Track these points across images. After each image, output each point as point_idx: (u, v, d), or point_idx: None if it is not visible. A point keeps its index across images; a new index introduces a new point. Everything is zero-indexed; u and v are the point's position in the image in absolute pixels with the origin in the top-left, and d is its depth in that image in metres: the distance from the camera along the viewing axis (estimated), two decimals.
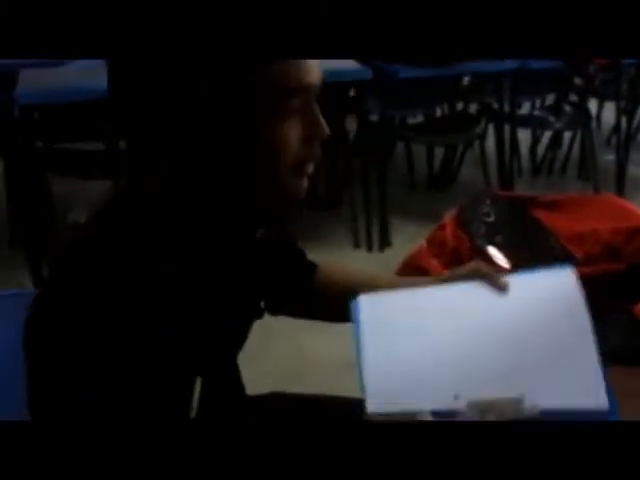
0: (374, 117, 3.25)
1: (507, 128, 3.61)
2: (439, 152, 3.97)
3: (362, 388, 0.88)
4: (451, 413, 0.83)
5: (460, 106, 3.86)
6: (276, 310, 1.09)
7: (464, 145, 3.89)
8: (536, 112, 3.97)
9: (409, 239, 3.02)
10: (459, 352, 0.91)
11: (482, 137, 3.61)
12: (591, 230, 1.25)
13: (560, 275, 0.98)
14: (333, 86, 2.84)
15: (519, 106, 3.72)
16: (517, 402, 0.82)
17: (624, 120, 3.80)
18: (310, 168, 0.81)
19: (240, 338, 0.99)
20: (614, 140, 4.01)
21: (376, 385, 0.88)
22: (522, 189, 3.68)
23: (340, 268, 1.13)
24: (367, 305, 0.97)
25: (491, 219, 1.31)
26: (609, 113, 4.29)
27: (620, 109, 3.84)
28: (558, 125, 3.79)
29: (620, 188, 3.68)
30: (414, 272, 1.29)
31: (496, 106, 3.49)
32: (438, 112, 3.91)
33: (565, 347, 0.90)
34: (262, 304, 1.04)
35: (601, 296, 1.17)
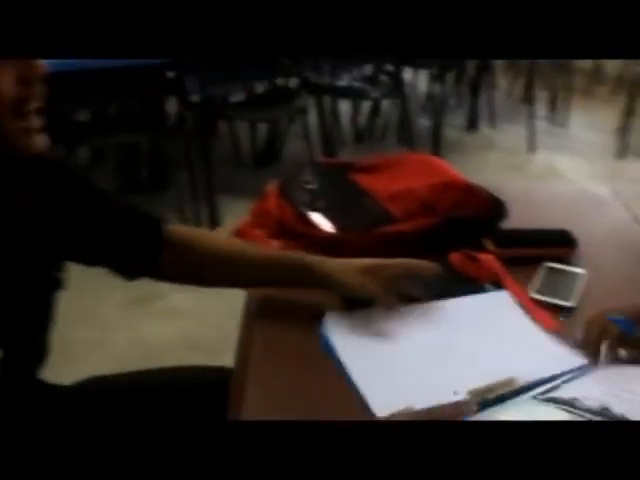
0: (195, 97, 3.19)
1: (328, 100, 3.68)
2: (264, 129, 3.97)
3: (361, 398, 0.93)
4: (457, 405, 0.90)
5: (280, 82, 3.89)
6: (128, 273, 1.08)
7: (287, 120, 3.92)
8: (355, 83, 4.07)
9: (239, 217, 3.01)
10: (437, 356, 1.02)
11: (304, 111, 3.65)
12: (407, 188, 1.29)
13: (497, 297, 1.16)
14: (150, 68, 2.79)
15: (338, 78, 3.79)
16: (511, 381, 0.93)
17: (437, 87, 4.00)
18: (32, 107, 0.82)
19: (39, 311, 0.96)
20: (429, 106, 4.22)
21: (374, 392, 0.93)
22: (346, 158, 3.78)
23: (200, 235, 1.16)
24: (335, 324, 1.05)
25: (312, 186, 1.32)
26: (423, 81, 4.49)
27: (433, 77, 4.03)
28: (376, 94, 3.91)
29: (436, 150, 3.87)
30: None
31: (315, 79, 3.54)
32: (260, 89, 3.91)
33: (520, 339, 1.08)
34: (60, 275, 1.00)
35: (420, 249, 1.22)
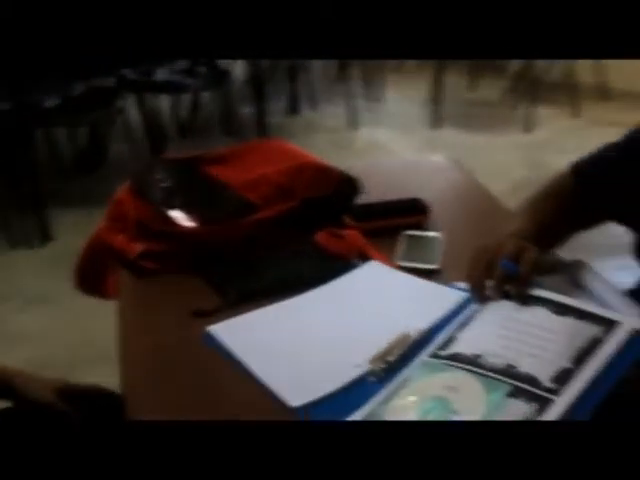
0: (4, 105, 2.99)
1: (147, 97, 3.59)
2: (84, 132, 3.81)
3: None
4: (362, 377, 0.94)
5: (96, 82, 3.73)
6: None
7: (107, 121, 3.77)
8: (173, 77, 3.99)
9: (73, 228, 2.89)
10: (333, 338, 1.04)
11: (121, 111, 3.54)
12: (262, 175, 1.29)
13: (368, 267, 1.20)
14: None
15: (154, 73, 3.70)
16: (405, 337, 0.97)
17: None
18: None
19: None
20: (249, 94, 4.22)
21: (282, 385, 0.94)
22: (195, 152, 3.71)
23: None
24: (225, 332, 1.04)
25: (167, 184, 1.29)
26: (238, 69, 4.49)
27: (252, 65, 4.03)
28: (195, 86, 3.86)
29: (262, 137, 3.89)
30: (104, 253, 1.23)
31: (132, 76, 3.44)
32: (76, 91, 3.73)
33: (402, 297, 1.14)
34: None
35: (284, 233, 1.24)
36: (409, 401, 0.87)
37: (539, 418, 0.78)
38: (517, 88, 4.47)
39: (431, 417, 0.82)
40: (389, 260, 1.22)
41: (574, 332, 0.88)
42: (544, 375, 0.83)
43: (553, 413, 0.78)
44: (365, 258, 1.22)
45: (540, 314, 0.93)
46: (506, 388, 0.83)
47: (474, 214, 1.45)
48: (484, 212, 1.45)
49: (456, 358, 0.91)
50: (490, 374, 0.86)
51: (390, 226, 1.31)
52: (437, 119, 4.25)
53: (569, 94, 4.36)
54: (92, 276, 1.30)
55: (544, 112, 4.27)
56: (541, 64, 4.34)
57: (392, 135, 4.14)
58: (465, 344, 0.93)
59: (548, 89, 4.44)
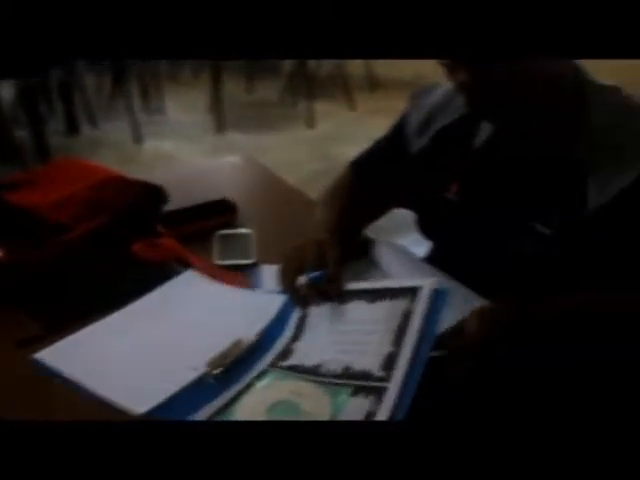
0: None
1: None
2: None
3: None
4: (201, 379, 0.96)
5: None
6: None
7: None
8: None
9: None
10: (169, 344, 1.06)
11: None
12: (69, 194, 1.27)
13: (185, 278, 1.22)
14: None
15: None
16: (238, 342, 1.01)
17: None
18: None
19: None
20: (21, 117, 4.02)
21: (123, 395, 0.94)
22: None
23: None
24: (53, 357, 1.03)
25: None
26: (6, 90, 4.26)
27: (20, 85, 3.84)
28: None
29: (44, 159, 3.73)
30: None
31: None
32: None
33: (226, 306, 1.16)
34: None
35: (99, 249, 1.23)
36: (255, 404, 0.91)
37: (379, 408, 0.83)
38: (293, 86, 4.64)
39: (282, 418, 0.88)
40: (207, 261, 1.26)
41: (388, 314, 0.94)
42: (374, 366, 0.89)
43: (389, 400, 0.83)
44: (183, 263, 1.25)
45: (359, 307, 0.99)
46: (348, 390, 0.88)
47: (278, 205, 1.52)
48: (287, 202, 1.53)
49: (296, 369, 0.96)
50: (332, 380, 0.91)
51: (202, 228, 1.34)
52: (220, 124, 4.31)
53: (343, 87, 4.61)
54: None
55: (323, 107, 4.49)
56: (313, 60, 4.55)
57: (178, 145, 4.14)
58: (303, 355, 0.98)
59: (323, 84, 4.67)
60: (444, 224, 1.18)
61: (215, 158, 3.85)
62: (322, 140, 4.12)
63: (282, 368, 0.97)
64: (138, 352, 1.05)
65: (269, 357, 1.00)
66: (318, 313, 1.03)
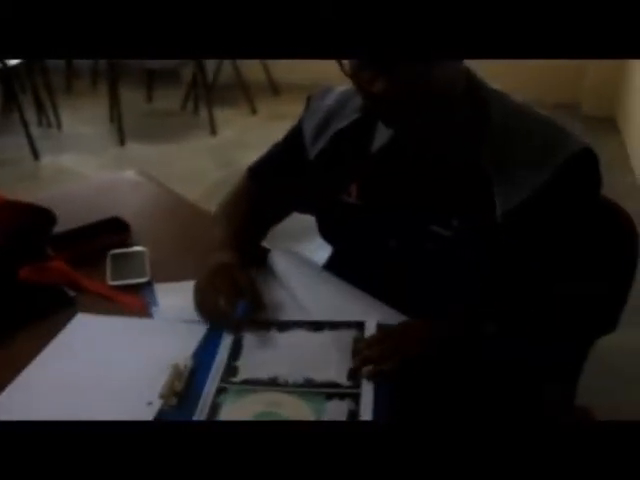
0: None
1: None
2: None
3: None
4: (161, 412, 0.93)
5: None
6: None
7: None
8: None
9: None
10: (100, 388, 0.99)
11: None
12: None
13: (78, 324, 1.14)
14: None
15: None
16: (176, 367, 0.98)
17: None
18: None
19: None
20: None
21: None
22: None
23: None
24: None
25: None
26: None
27: None
28: None
29: None
30: None
31: None
32: None
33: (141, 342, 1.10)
34: None
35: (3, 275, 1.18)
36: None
37: (360, 409, 0.88)
38: (193, 94, 4.58)
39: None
40: (100, 283, 1.22)
41: (341, 343, 1.00)
42: (340, 378, 0.94)
43: (367, 400, 0.89)
44: (74, 286, 1.21)
45: (300, 335, 1.03)
46: (321, 396, 0.90)
47: (172, 221, 1.49)
48: (182, 218, 1.50)
49: (253, 383, 0.95)
50: (298, 389, 0.92)
51: (94, 249, 1.30)
52: (120, 136, 4.22)
53: (243, 93, 4.59)
54: None
55: (224, 113, 4.45)
56: (211, 67, 4.50)
57: (78, 159, 4.03)
58: (251, 371, 0.98)
59: (222, 90, 4.63)
60: (344, 227, 1.18)
61: (115, 171, 3.77)
62: (225, 147, 4.09)
63: (238, 384, 0.95)
64: (76, 402, 0.96)
65: (216, 376, 0.97)
66: (253, 336, 1.04)
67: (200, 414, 0.91)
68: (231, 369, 0.99)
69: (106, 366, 1.03)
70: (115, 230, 1.36)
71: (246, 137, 4.19)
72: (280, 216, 1.32)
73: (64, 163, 4.00)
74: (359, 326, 1.02)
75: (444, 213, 1.07)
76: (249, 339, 1.04)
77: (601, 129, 3.94)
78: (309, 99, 1.25)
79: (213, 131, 4.26)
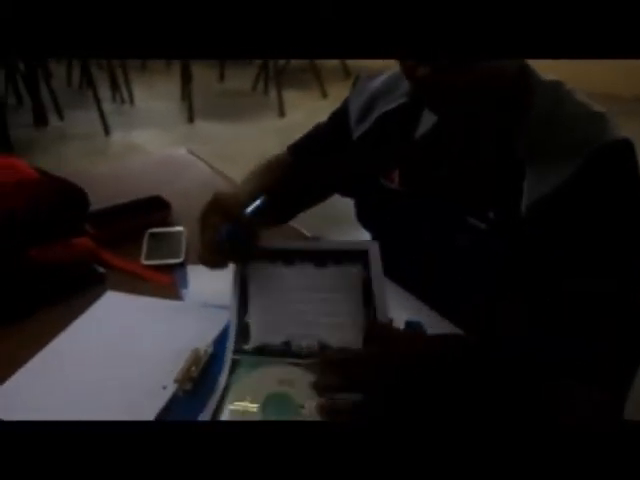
0: None
1: None
2: None
3: None
4: (175, 396, 0.90)
5: None
6: None
7: None
8: None
9: None
10: (119, 370, 0.96)
11: None
12: None
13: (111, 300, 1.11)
14: None
15: None
16: (196, 352, 0.95)
17: None
18: None
19: None
20: None
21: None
22: None
23: None
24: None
25: None
26: None
27: None
28: None
29: (8, 151, 3.66)
30: None
31: None
32: None
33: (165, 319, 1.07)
34: None
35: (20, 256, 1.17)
36: (246, 403, 0.86)
37: None
38: (265, 75, 4.58)
39: (279, 416, 0.83)
40: (133, 261, 1.21)
41: (346, 283, 0.89)
42: (355, 341, 0.86)
43: None
44: (102, 263, 1.20)
45: (304, 272, 0.92)
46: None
47: None
48: None
49: (264, 350, 0.91)
50: (311, 360, 0.85)
51: (134, 227, 1.29)
52: (190, 114, 4.25)
53: (314, 76, 4.55)
54: None
55: (294, 95, 4.43)
56: None
57: (147, 135, 4.08)
58: (263, 331, 0.92)
59: (294, 73, 4.61)
60: (384, 213, 1.14)
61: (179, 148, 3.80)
62: (293, 129, 4.04)
63: (247, 352, 0.91)
64: (97, 378, 0.95)
65: (229, 346, 0.93)
66: (258, 281, 0.94)
67: (213, 396, 0.88)
68: (244, 329, 0.93)
69: (128, 345, 1.02)
70: (155, 209, 1.35)
71: (315, 120, 4.17)
72: (318, 197, 1.28)
73: (134, 139, 4.06)
74: (363, 256, 0.89)
75: (481, 205, 1.01)
76: (253, 287, 0.94)
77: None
78: (356, 80, 1.22)
79: (282, 113, 4.25)
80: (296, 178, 1.25)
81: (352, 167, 1.18)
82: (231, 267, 1.12)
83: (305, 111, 4.33)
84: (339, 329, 0.88)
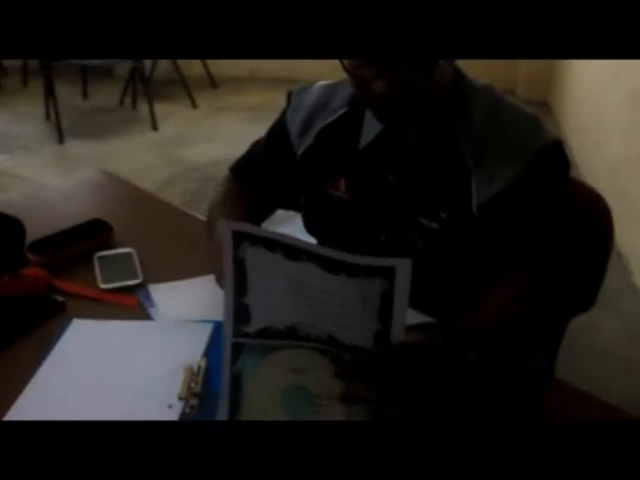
0: None
1: None
2: None
3: None
4: (184, 414, 0.92)
5: None
6: None
7: None
8: None
9: None
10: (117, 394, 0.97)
11: None
12: None
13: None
14: None
15: None
16: (187, 366, 0.98)
17: None
18: None
19: None
20: None
21: None
22: None
23: None
24: None
25: None
26: None
27: None
28: None
29: None
30: None
31: None
32: None
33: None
34: None
35: None
36: (263, 401, 0.86)
37: None
38: (132, 89, 4.50)
39: (299, 413, 0.84)
40: (90, 286, 1.21)
41: (362, 294, 0.84)
42: (364, 342, 0.85)
43: None
44: (55, 291, 1.19)
45: (312, 271, 0.85)
46: (346, 357, 0.84)
47: (149, 219, 1.47)
48: (157, 214, 1.49)
49: (267, 332, 0.87)
50: (319, 345, 0.85)
51: (78, 252, 1.28)
52: (60, 134, 4.11)
53: (183, 87, 4.53)
54: None
55: (163, 108, 4.39)
56: (148, 62, 4.43)
57: (16, 160, 3.91)
58: (266, 313, 0.88)
59: (159, 85, 4.56)
60: (332, 222, 1.19)
61: (57, 170, 3.68)
62: (170, 142, 4.04)
63: (250, 335, 0.87)
64: (93, 410, 0.94)
65: (228, 328, 0.89)
66: (258, 265, 0.88)
67: (222, 401, 0.89)
68: (244, 310, 0.88)
69: (117, 371, 1.02)
70: (98, 232, 1.34)
71: (190, 131, 4.15)
72: (266, 214, 1.31)
73: (1, 165, 3.87)
74: (388, 272, 0.83)
75: (431, 206, 1.09)
76: (254, 263, 0.88)
77: (537, 112, 4.05)
78: (290, 95, 1.25)
79: (155, 126, 4.20)
80: (246, 199, 1.27)
81: (297, 181, 1.21)
82: (197, 282, 1.16)
83: (178, 123, 4.30)
84: (349, 329, 0.86)
